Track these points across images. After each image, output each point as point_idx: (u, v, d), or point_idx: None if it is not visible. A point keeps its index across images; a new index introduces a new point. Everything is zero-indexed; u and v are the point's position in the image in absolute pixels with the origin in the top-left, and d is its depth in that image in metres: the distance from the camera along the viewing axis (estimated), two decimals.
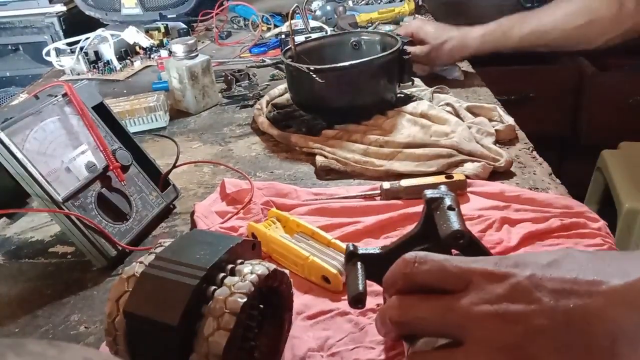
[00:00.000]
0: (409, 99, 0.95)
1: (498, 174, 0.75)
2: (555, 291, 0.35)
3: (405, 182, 0.71)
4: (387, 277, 0.42)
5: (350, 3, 1.58)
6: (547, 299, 0.35)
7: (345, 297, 0.56)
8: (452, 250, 0.46)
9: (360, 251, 0.48)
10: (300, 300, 0.55)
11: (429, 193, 0.47)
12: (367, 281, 0.46)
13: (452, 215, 0.45)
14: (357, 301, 0.44)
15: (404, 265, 0.40)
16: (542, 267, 0.37)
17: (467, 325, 0.36)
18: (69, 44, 1.41)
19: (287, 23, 1.43)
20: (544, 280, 0.36)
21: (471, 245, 0.44)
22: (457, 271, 0.38)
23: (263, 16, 1.54)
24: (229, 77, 1.13)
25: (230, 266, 0.44)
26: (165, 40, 1.47)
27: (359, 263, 0.47)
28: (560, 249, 0.40)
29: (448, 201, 0.46)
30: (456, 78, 1.10)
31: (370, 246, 0.62)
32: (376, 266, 0.47)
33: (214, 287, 0.42)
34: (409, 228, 0.65)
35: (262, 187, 0.74)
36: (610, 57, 2.09)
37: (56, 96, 0.67)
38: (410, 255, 0.40)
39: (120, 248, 0.66)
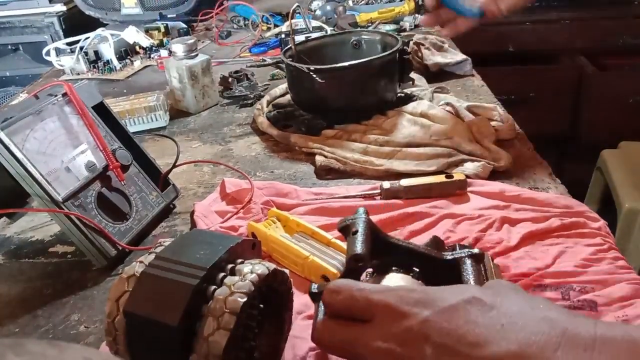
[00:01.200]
0: (409, 98, 0.95)
1: (498, 173, 0.75)
2: (439, 346, 0.36)
3: (405, 182, 0.71)
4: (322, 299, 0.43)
5: (350, 3, 1.58)
6: (430, 352, 0.36)
7: None
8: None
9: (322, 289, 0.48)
10: (301, 300, 0.55)
11: (340, 224, 0.48)
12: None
13: (353, 240, 0.45)
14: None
15: (326, 294, 0.42)
16: (441, 311, 0.37)
17: (367, 356, 0.38)
18: (69, 44, 1.41)
19: (287, 23, 1.43)
20: (435, 330, 0.36)
21: (378, 264, 0.45)
22: (363, 303, 0.40)
23: (263, 16, 1.54)
24: (229, 79, 1.13)
25: (230, 266, 0.44)
26: (165, 40, 1.47)
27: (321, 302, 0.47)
28: (493, 285, 0.40)
29: (354, 226, 0.46)
30: (466, 73, 1.11)
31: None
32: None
33: (214, 287, 0.42)
34: (409, 227, 0.65)
35: (262, 187, 0.74)
36: (610, 57, 2.10)
37: (56, 96, 0.67)
38: (331, 284, 0.42)
39: (120, 248, 0.66)
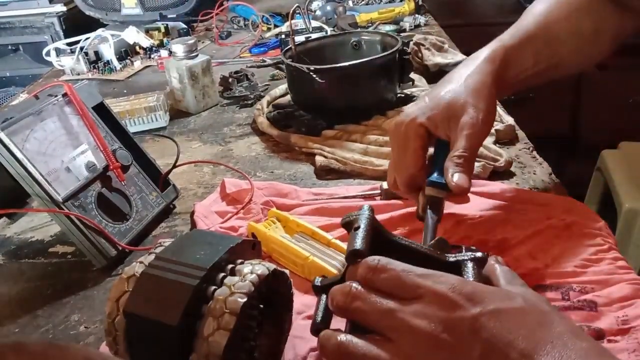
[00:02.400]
0: (409, 99, 0.95)
1: (498, 174, 0.75)
2: (489, 345, 0.35)
3: None
4: (348, 276, 0.42)
5: (350, 3, 1.58)
6: (478, 349, 0.35)
7: None
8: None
9: (324, 282, 0.47)
10: (301, 300, 0.55)
11: (343, 218, 0.48)
12: None
13: (354, 236, 0.45)
14: (317, 331, 0.44)
15: (366, 270, 0.40)
16: (492, 312, 0.37)
17: (401, 330, 0.37)
18: (69, 44, 1.41)
19: (287, 23, 1.43)
20: (484, 328, 0.36)
21: (400, 252, 0.45)
22: (411, 284, 0.39)
23: (263, 16, 1.54)
24: (229, 80, 1.13)
25: (230, 266, 0.44)
26: (165, 40, 1.47)
27: (324, 295, 0.47)
28: (537, 298, 0.40)
29: (356, 222, 0.46)
30: None
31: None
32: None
33: (214, 287, 0.42)
34: (409, 228, 0.65)
35: (262, 187, 0.74)
36: (610, 57, 2.09)
37: (56, 96, 0.67)
38: (372, 260, 0.41)
39: (120, 248, 0.66)
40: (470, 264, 0.45)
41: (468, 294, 0.38)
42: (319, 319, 0.44)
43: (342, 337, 0.39)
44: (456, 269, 0.45)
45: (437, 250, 0.48)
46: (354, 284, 0.40)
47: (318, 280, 0.45)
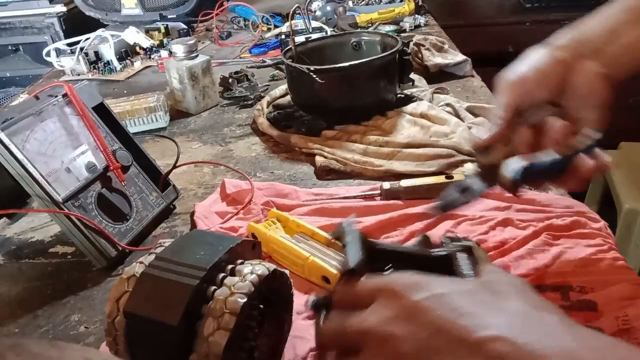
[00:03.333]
0: (409, 99, 0.95)
1: None
2: (431, 324, 0.35)
3: (405, 182, 0.71)
4: (334, 295, 0.43)
5: (350, 3, 1.58)
6: (423, 332, 0.35)
7: None
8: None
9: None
10: (300, 300, 0.55)
11: (331, 235, 0.49)
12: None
13: (346, 252, 0.45)
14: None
15: (336, 293, 0.42)
16: (435, 295, 0.37)
17: (361, 336, 0.38)
18: (69, 45, 1.41)
19: (287, 23, 1.44)
20: (426, 311, 0.36)
21: (385, 257, 0.46)
22: (363, 290, 0.40)
23: (263, 16, 1.54)
24: (229, 80, 1.13)
25: (230, 266, 0.44)
26: (165, 40, 1.47)
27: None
28: (492, 279, 0.39)
29: (344, 238, 0.46)
30: (466, 73, 1.11)
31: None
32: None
33: (214, 287, 0.42)
34: (409, 228, 0.65)
35: (262, 188, 0.74)
36: None
37: (56, 96, 0.67)
38: (339, 284, 0.42)
39: (120, 248, 0.66)
40: (460, 255, 0.45)
41: (411, 284, 0.38)
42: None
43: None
44: (447, 262, 0.45)
45: (423, 248, 0.48)
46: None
47: (312, 301, 0.46)
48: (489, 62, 1.18)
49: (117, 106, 1.00)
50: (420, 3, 1.54)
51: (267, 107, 1.01)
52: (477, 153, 0.55)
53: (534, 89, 0.54)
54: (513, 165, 0.49)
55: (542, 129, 0.52)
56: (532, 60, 0.56)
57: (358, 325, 0.38)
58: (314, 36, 1.19)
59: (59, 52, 1.39)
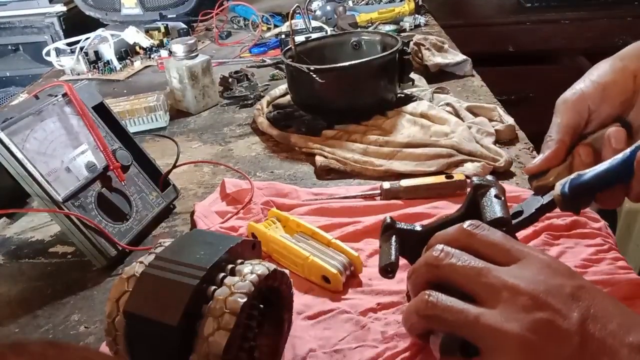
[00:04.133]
0: (409, 99, 0.95)
1: (498, 174, 0.75)
2: (587, 310, 0.36)
3: (405, 182, 0.71)
4: (437, 237, 0.42)
5: (350, 3, 1.58)
6: (576, 313, 0.35)
7: (346, 296, 0.56)
8: None
9: (397, 225, 0.48)
10: (301, 300, 0.55)
11: (476, 179, 0.48)
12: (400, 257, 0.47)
13: (497, 203, 0.45)
14: (388, 271, 0.45)
15: (462, 233, 0.41)
16: (592, 288, 0.37)
17: (496, 288, 0.37)
18: (69, 44, 1.40)
19: (287, 23, 1.43)
20: (586, 297, 0.36)
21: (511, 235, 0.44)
22: (510, 249, 0.39)
23: (263, 16, 1.54)
24: (229, 80, 1.13)
25: (230, 266, 0.44)
26: (165, 40, 1.47)
27: (394, 236, 0.47)
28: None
29: (494, 190, 0.47)
30: (466, 73, 1.11)
31: (374, 244, 0.62)
32: (410, 243, 0.47)
33: (214, 287, 0.42)
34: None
35: (262, 187, 0.74)
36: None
37: (56, 96, 0.67)
38: (470, 224, 0.41)
39: (120, 248, 0.66)
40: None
41: (567, 267, 0.38)
42: (392, 258, 0.45)
43: (429, 292, 0.39)
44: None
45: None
46: (446, 246, 0.40)
47: (392, 219, 0.46)
48: (489, 62, 1.18)
49: (117, 106, 1.00)
50: (420, 3, 1.54)
51: (267, 106, 1.01)
52: (530, 177, 0.52)
53: (597, 105, 0.49)
54: (561, 180, 0.46)
55: (601, 144, 0.49)
56: (593, 75, 0.51)
57: (500, 276, 0.37)
58: (314, 36, 1.19)
59: (58, 51, 1.39)
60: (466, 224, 0.41)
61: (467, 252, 0.40)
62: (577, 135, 0.50)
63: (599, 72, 0.51)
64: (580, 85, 0.51)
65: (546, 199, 0.48)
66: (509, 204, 0.66)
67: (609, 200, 0.46)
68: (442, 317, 0.38)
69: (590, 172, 0.44)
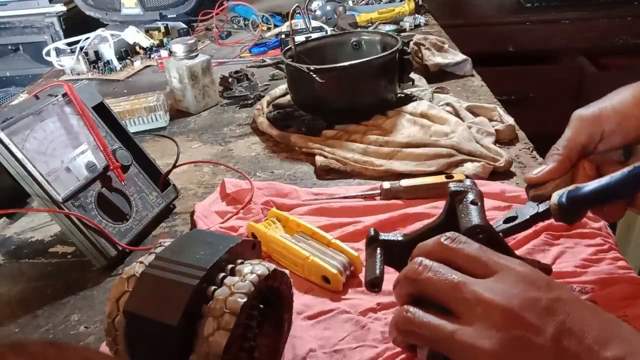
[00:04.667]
0: (409, 99, 0.95)
1: (498, 174, 0.75)
2: (562, 324, 0.35)
3: (405, 182, 0.71)
4: (417, 250, 0.42)
5: (350, 3, 1.58)
6: (551, 328, 0.35)
7: (346, 296, 0.56)
8: None
9: (381, 236, 0.48)
10: (301, 300, 0.55)
11: (453, 186, 0.48)
12: (386, 267, 0.47)
13: (474, 210, 0.45)
14: (374, 285, 0.45)
15: (439, 246, 0.40)
16: (569, 299, 0.37)
17: (471, 302, 0.37)
18: (69, 44, 1.40)
19: (287, 23, 1.43)
20: (561, 310, 0.36)
21: (491, 241, 0.44)
22: (487, 261, 0.39)
23: (263, 16, 1.54)
24: (229, 80, 1.13)
25: (230, 266, 0.44)
26: (165, 40, 1.47)
27: (378, 248, 0.47)
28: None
29: (471, 195, 0.46)
30: (466, 73, 1.11)
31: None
32: (396, 252, 0.47)
33: (214, 287, 0.42)
34: (410, 228, 0.65)
35: (262, 187, 0.74)
36: (610, 57, 2.10)
37: (56, 96, 0.67)
38: (447, 236, 0.41)
39: (120, 248, 0.66)
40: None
41: (544, 278, 0.38)
42: (377, 272, 0.45)
43: (407, 307, 0.39)
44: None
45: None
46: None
47: (372, 231, 0.46)
48: (489, 62, 1.18)
49: (117, 106, 1.00)
50: (420, 2, 1.54)
51: (267, 106, 1.01)
52: (528, 186, 0.52)
53: (611, 132, 0.49)
54: (559, 191, 0.47)
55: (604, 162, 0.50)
56: (614, 101, 0.51)
57: (475, 290, 0.37)
58: (314, 36, 1.19)
59: (58, 51, 1.39)
60: (443, 237, 0.41)
61: (446, 264, 0.40)
62: (584, 154, 0.50)
63: (620, 98, 0.51)
64: (600, 107, 0.51)
65: (542, 207, 0.48)
66: (507, 204, 0.67)
67: (611, 214, 0.48)
68: (419, 333, 0.38)
69: (589, 185, 0.45)
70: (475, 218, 0.44)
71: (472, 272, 0.38)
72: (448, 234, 0.41)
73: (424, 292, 0.39)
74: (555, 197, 0.46)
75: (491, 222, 0.46)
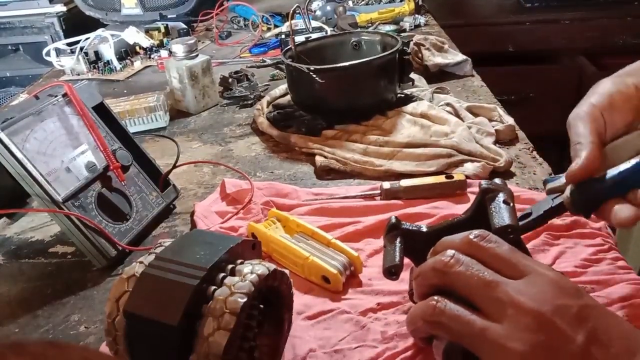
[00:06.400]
0: (409, 99, 0.95)
1: (498, 174, 0.75)
2: (592, 332, 0.36)
3: (405, 182, 0.71)
4: (442, 244, 0.42)
5: (350, 3, 1.58)
6: (581, 335, 0.35)
7: (346, 296, 0.56)
8: None
9: (403, 225, 0.48)
10: (301, 300, 0.55)
11: (485, 183, 0.48)
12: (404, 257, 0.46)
13: (506, 210, 0.45)
14: (392, 273, 0.45)
15: (468, 243, 0.40)
16: (597, 306, 0.37)
17: (503, 303, 0.37)
18: (69, 44, 1.40)
19: (287, 23, 1.43)
20: (591, 318, 0.36)
21: (518, 244, 0.44)
22: (518, 263, 0.38)
23: (263, 16, 1.54)
24: (229, 80, 1.13)
25: (230, 266, 0.44)
26: (165, 40, 1.47)
27: (399, 237, 0.47)
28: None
29: (503, 195, 0.46)
30: (466, 73, 1.11)
31: (374, 244, 0.62)
32: (416, 244, 0.47)
33: (214, 287, 0.42)
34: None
35: (262, 187, 0.74)
36: (610, 57, 2.10)
37: (56, 96, 0.67)
38: (477, 234, 0.41)
39: (120, 248, 0.66)
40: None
41: (574, 285, 0.38)
42: (397, 260, 0.44)
43: (438, 298, 0.39)
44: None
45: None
46: (456, 252, 0.40)
47: (397, 219, 0.46)
48: (489, 62, 1.18)
49: (117, 106, 1.00)
50: (420, 3, 1.54)
51: (267, 106, 1.01)
52: (544, 180, 0.51)
53: (609, 113, 0.49)
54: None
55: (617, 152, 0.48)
56: (598, 88, 0.52)
57: (508, 291, 0.36)
58: (314, 36, 1.19)
59: (58, 51, 1.39)
60: (473, 234, 0.41)
61: (476, 260, 0.40)
62: (602, 139, 0.48)
63: (601, 86, 0.51)
64: (589, 100, 0.51)
65: (556, 201, 0.47)
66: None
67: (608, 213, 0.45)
68: (448, 326, 0.38)
69: (603, 175, 0.44)
70: (507, 218, 0.44)
71: (502, 273, 0.38)
72: (477, 231, 0.41)
73: (453, 285, 0.39)
74: (568, 189, 0.45)
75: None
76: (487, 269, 0.39)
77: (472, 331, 0.37)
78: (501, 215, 0.45)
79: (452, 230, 0.45)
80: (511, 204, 0.46)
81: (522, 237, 0.46)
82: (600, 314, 0.37)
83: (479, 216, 0.47)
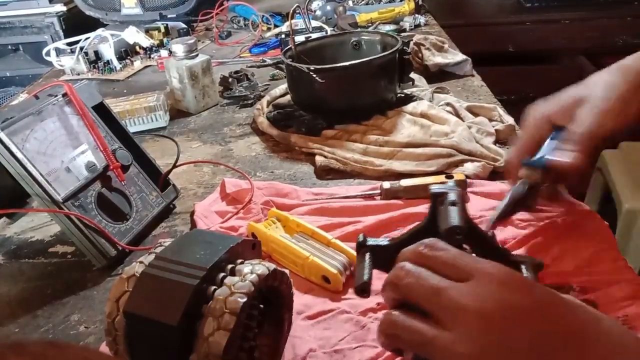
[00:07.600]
0: (409, 99, 0.95)
1: (498, 173, 0.75)
2: (538, 333, 0.35)
3: (405, 182, 0.71)
4: (401, 254, 0.42)
5: (350, 3, 1.58)
6: (526, 336, 0.35)
7: (346, 296, 0.56)
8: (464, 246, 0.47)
9: (369, 242, 0.48)
10: (301, 300, 0.55)
11: (434, 188, 0.48)
12: (376, 271, 0.47)
13: (453, 211, 0.45)
14: (362, 291, 0.45)
15: (419, 250, 0.41)
16: (546, 303, 0.37)
17: (450, 308, 0.37)
18: (69, 44, 1.40)
19: (287, 23, 1.43)
20: (537, 318, 0.36)
21: (473, 239, 0.45)
22: (465, 265, 0.39)
23: (263, 16, 1.54)
24: (229, 80, 1.13)
25: (230, 266, 0.44)
26: (165, 40, 1.47)
27: (367, 253, 0.48)
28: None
29: (451, 196, 0.46)
30: (466, 73, 1.11)
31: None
32: (384, 257, 0.47)
33: (214, 287, 0.42)
34: (409, 227, 0.65)
35: (262, 187, 0.74)
36: (610, 57, 2.10)
37: (56, 96, 0.67)
38: (426, 242, 0.41)
39: (120, 248, 0.66)
40: (526, 267, 0.46)
41: (521, 282, 0.38)
42: (365, 277, 0.45)
43: (394, 311, 0.39)
44: (513, 267, 0.46)
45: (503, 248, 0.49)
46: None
47: (364, 238, 0.46)
48: (489, 62, 1.18)
49: (116, 106, 1.00)
50: (420, 2, 1.54)
51: (267, 106, 1.01)
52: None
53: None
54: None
55: None
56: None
57: (453, 296, 0.37)
58: (314, 36, 1.19)
59: (58, 51, 1.39)
60: (421, 245, 0.41)
61: (425, 267, 0.40)
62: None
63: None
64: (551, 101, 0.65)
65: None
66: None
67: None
68: (402, 337, 0.38)
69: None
70: (453, 219, 0.44)
71: (450, 278, 0.39)
72: (426, 241, 0.41)
73: (407, 297, 0.40)
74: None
75: (486, 217, 0.46)
76: (435, 275, 0.39)
77: (424, 340, 0.37)
78: (448, 217, 0.45)
79: (413, 239, 0.46)
80: (459, 204, 0.46)
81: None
82: (549, 310, 0.36)
83: (434, 222, 0.48)
